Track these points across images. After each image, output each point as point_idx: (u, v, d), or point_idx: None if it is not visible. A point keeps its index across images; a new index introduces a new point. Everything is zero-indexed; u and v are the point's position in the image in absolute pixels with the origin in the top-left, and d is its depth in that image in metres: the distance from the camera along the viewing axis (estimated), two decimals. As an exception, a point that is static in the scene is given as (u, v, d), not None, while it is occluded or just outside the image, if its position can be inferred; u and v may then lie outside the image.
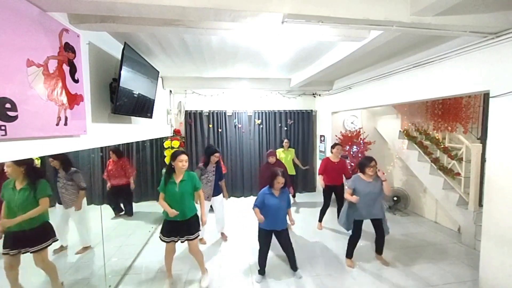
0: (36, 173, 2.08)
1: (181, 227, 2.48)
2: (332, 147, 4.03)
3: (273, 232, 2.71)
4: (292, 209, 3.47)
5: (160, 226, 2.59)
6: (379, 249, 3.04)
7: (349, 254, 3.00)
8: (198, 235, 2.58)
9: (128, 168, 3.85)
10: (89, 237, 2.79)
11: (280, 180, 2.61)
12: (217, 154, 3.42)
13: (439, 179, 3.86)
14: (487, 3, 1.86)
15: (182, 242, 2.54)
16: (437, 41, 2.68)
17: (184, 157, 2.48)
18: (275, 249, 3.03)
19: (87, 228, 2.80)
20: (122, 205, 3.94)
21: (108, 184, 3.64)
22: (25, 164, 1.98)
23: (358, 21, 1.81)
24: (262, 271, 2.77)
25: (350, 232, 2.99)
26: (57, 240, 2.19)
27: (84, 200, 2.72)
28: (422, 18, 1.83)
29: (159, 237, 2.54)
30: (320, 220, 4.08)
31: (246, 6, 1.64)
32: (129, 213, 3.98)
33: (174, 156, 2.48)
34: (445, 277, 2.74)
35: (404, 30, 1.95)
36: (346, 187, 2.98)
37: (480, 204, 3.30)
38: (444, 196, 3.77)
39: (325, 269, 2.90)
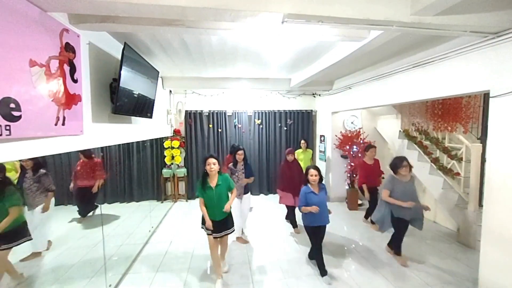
0: (5, 181, 2.03)
1: (219, 225, 2.63)
2: (366, 150, 4.06)
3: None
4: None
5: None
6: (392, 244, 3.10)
7: (398, 250, 3.04)
8: (234, 230, 2.77)
9: (97, 170, 3.64)
10: (44, 243, 2.55)
11: (312, 173, 2.70)
12: (240, 152, 3.49)
13: (438, 179, 3.86)
14: (487, 2, 1.86)
15: (221, 238, 2.68)
16: (437, 41, 2.68)
17: (211, 160, 2.56)
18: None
19: (44, 233, 2.59)
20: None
21: (71, 186, 3.37)
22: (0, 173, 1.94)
23: (358, 21, 1.80)
24: (324, 272, 2.73)
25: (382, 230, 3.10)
26: (28, 240, 2.11)
27: (52, 201, 2.58)
28: (422, 18, 1.82)
29: (208, 234, 2.65)
30: (367, 217, 4.18)
31: (246, 6, 1.64)
32: (82, 213, 3.54)
33: (204, 161, 2.61)
34: (444, 277, 2.74)
35: (404, 30, 1.95)
36: (383, 189, 2.97)
37: (480, 204, 3.30)
38: (443, 196, 3.77)
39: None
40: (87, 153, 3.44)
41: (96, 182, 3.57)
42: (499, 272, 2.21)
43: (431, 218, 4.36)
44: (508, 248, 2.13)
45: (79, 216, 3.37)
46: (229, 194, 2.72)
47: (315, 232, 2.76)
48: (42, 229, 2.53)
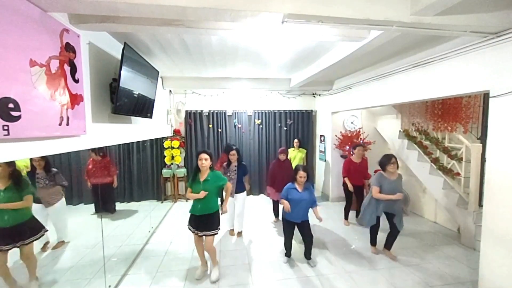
0: (18, 174, 2.16)
1: (201, 221, 2.64)
2: (353, 148, 4.15)
3: (296, 224, 2.93)
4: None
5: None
6: (389, 244, 3.18)
7: (373, 242, 3.27)
8: (216, 233, 2.70)
9: (110, 167, 3.88)
10: (66, 232, 2.85)
11: (301, 174, 2.84)
12: (232, 152, 3.54)
13: (438, 179, 3.86)
14: (487, 2, 1.86)
15: (199, 236, 2.69)
16: (437, 41, 2.68)
17: (203, 155, 2.61)
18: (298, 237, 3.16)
19: (65, 224, 2.88)
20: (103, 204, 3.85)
21: (89, 184, 3.58)
22: (12, 166, 2.07)
23: (358, 21, 1.80)
24: (288, 254, 3.08)
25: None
26: (45, 233, 2.30)
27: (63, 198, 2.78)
28: (422, 18, 1.83)
29: (188, 228, 2.73)
30: (346, 217, 4.24)
31: (246, 6, 1.64)
32: (111, 210, 4.00)
33: (197, 156, 2.67)
34: (444, 277, 2.74)
35: (404, 30, 1.95)
36: (373, 186, 3.07)
37: (480, 204, 3.30)
38: (443, 196, 3.77)
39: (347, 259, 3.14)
40: (101, 152, 3.57)
41: (115, 178, 3.89)
42: (499, 272, 2.21)
43: (432, 219, 4.36)
44: (508, 248, 2.13)
45: (80, 216, 3.42)
46: (223, 193, 2.78)
47: (290, 226, 2.95)
48: (62, 221, 2.83)
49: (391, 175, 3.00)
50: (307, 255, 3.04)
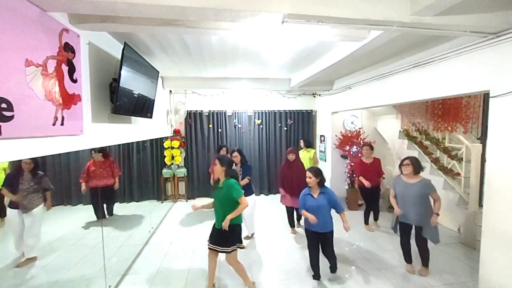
0: None
1: (217, 235, 2.41)
2: (361, 148, 4.06)
3: (319, 235, 2.58)
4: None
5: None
6: (425, 262, 2.78)
7: (407, 259, 2.86)
8: (234, 249, 2.39)
9: (114, 168, 3.80)
10: (37, 246, 2.48)
11: (307, 175, 2.60)
12: (234, 154, 3.47)
13: (439, 179, 3.86)
14: (487, 3, 1.86)
15: (214, 250, 2.43)
16: (437, 41, 2.68)
17: (215, 161, 2.46)
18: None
19: (38, 236, 2.50)
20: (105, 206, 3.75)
21: (84, 188, 3.41)
22: None
23: (358, 21, 1.80)
24: (317, 276, 2.64)
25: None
26: None
27: (42, 205, 2.52)
28: (422, 18, 1.82)
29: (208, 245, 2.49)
30: (366, 222, 4.04)
31: (246, 6, 1.63)
32: (110, 213, 3.88)
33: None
34: (445, 277, 2.73)
35: (404, 30, 1.95)
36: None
37: (480, 204, 3.30)
38: (444, 196, 3.77)
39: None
40: (105, 152, 3.53)
41: (116, 179, 3.78)
42: (499, 272, 2.21)
43: (431, 218, 4.36)
44: (508, 248, 2.12)
45: (79, 217, 3.41)
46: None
47: (313, 237, 2.61)
48: (34, 233, 2.45)
49: (406, 178, 2.75)
50: (333, 268, 2.73)
